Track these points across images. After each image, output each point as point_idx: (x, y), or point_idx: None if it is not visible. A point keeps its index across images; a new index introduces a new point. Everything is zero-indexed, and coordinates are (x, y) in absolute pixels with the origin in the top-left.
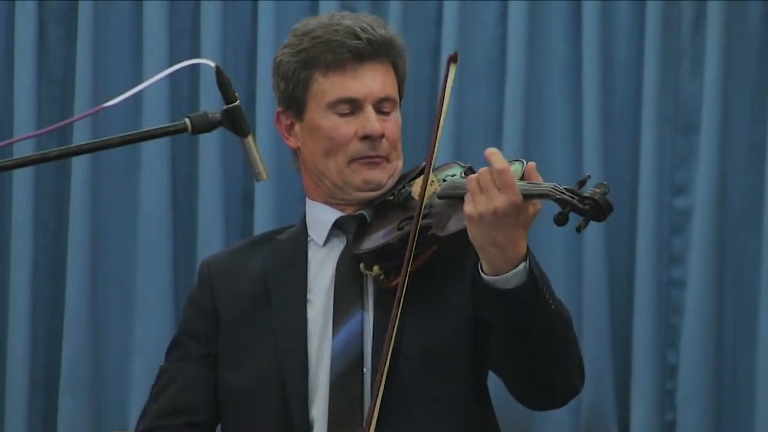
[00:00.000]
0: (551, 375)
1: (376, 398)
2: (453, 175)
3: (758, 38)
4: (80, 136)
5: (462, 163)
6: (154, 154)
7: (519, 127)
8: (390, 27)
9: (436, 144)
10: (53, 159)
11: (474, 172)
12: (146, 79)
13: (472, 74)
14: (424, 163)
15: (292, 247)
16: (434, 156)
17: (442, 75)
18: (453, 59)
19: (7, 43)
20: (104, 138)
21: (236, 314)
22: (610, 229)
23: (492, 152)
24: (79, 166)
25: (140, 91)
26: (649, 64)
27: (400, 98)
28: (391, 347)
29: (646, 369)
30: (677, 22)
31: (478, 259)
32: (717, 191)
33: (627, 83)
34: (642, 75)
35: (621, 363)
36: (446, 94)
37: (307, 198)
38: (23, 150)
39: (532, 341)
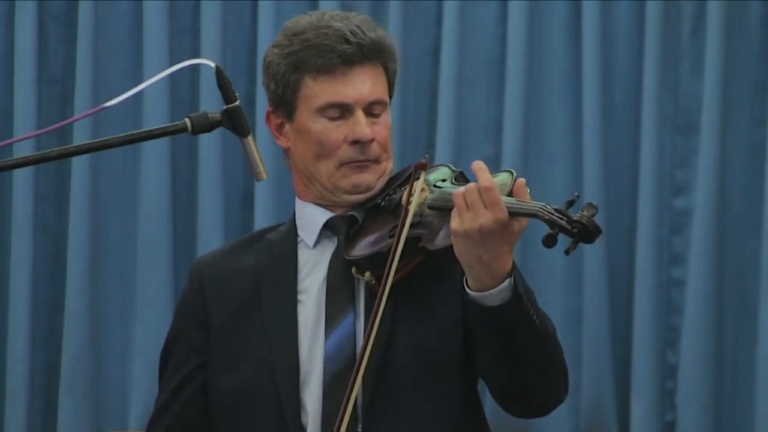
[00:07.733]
0: (533, 387)
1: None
2: (443, 180)
3: (758, 38)
4: (80, 136)
5: (453, 167)
6: (154, 154)
7: (519, 127)
8: (380, 27)
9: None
10: (53, 159)
11: (465, 178)
12: (146, 79)
13: (472, 74)
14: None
15: (283, 247)
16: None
17: (411, 173)
18: (422, 166)
19: (7, 43)
20: (104, 138)
21: (228, 319)
22: (610, 229)
23: (479, 168)
24: (79, 166)
25: (140, 91)
26: (649, 64)
27: (390, 98)
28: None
29: (646, 369)
30: (677, 22)
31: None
32: (717, 191)
33: (627, 83)
34: (642, 75)
35: (621, 363)
36: (413, 202)
37: (297, 198)
38: (23, 150)
39: (515, 356)
